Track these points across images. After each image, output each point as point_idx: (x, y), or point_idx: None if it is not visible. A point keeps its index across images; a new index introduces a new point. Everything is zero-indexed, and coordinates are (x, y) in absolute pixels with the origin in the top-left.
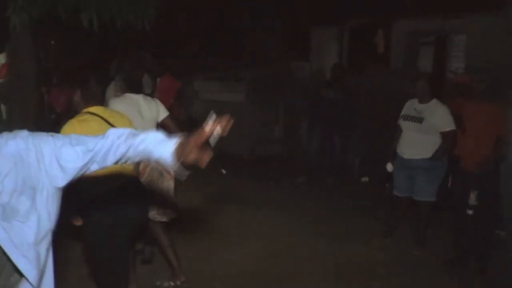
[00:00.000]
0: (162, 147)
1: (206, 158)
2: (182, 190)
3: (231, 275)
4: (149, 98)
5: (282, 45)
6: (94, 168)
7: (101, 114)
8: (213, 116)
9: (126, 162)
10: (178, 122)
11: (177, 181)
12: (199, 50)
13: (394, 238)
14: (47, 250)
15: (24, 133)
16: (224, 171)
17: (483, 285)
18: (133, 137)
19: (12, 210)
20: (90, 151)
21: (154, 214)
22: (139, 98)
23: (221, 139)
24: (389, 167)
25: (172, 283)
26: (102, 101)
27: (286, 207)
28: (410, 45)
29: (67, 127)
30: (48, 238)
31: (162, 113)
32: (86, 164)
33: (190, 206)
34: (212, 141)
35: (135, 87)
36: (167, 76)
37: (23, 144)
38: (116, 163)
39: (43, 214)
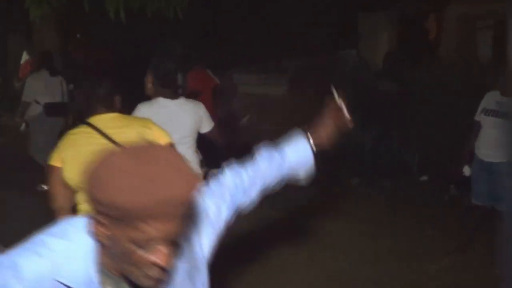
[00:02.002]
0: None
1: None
2: None
3: None
4: (190, 102)
5: (327, 33)
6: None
7: (99, 125)
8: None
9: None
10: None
11: None
12: (238, 40)
13: (468, 255)
14: None
15: None
16: None
17: None
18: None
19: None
20: None
21: None
22: (172, 103)
23: (263, 135)
24: (467, 170)
25: None
26: (111, 106)
27: (339, 216)
28: (465, 30)
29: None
30: None
31: (206, 123)
32: None
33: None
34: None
35: (168, 84)
36: (201, 70)
37: None
38: None
39: None
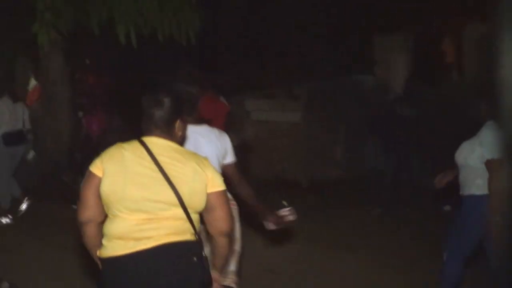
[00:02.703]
0: None
1: None
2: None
3: None
4: (215, 130)
5: (341, 57)
6: None
7: (153, 150)
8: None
9: None
10: None
11: None
12: (249, 64)
13: None
14: None
15: None
16: (285, 203)
17: None
18: None
19: None
20: None
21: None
22: (197, 129)
23: (276, 164)
24: None
25: None
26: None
27: (358, 249)
28: (485, 51)
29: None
30: None
31: (229, 156)
32: None
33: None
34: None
35: (191, 111)
36: (213, 96)
37: None
38: None
39: None
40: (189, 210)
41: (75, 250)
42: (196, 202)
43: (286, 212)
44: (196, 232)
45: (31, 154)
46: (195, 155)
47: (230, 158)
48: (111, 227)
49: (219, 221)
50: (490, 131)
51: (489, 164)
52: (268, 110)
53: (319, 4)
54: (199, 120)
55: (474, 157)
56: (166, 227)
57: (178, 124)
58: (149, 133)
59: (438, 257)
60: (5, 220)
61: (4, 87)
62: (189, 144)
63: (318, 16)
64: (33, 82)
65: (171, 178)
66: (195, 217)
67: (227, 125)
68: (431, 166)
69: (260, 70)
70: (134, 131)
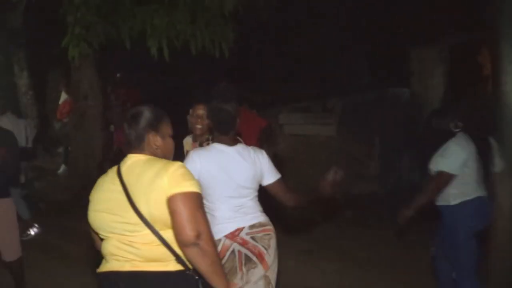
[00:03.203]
0: None
1: None
2: None
3: None
4: (251, 148)
5: (376, 70)
6: None
7: (123, 169)
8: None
9: None
10: None
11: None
12: (282, 78)
13: None
14: None
15: None
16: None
17: None
18: None
19: None
20: None
21: None
22: (230, 150)
23: (310, 178)
24: None
25: None
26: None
27: (395, 265)
28: None
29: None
30: None
31: (271, 174)
32: None
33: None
34: None
35: (225, 131)
36: (249, 111)
37: None
38: None
39: None
40: (157, 227)
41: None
42: (157, 215)
43: (332, 174)
44: (178, 258)
45: (62, 169)
46: (162, 163)
47: (273, 176)
48: (102, 246)
49: (177, 229)
50: (455, 146)
51: (438, 175)
52: (302, 123)
53: (355, 17)
54: (235, 139)
55: (436, 166)
56: (143, 252)
57: (151, 137)
58: (129, 150)
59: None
60: (33, 231)
61: (7, 104)
62: (216, 165)
63: (354, 29)
64: (64, 96)
65: (133, 197)
66: (168, 235)
67: (262, 140)
68: None
69: (294, 83)
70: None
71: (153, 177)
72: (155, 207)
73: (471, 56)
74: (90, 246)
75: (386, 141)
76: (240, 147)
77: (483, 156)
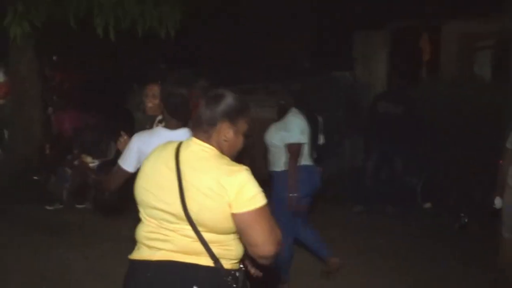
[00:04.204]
0: None
1: None
2: None
3: None
4: (188, 131)
5: (319, 54)
6: None
7: (182, 157)
8: None
9: None
10: None
11: None
12: (225, 61)
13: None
14: None
15: None
16: None
17: None
18: None
19: None
20: None
21: None
22: (173, 134)
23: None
24: (498, 202)
25: None
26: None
27: (342, 247)
28: (464, 50)
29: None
30: None
31: None
32: None
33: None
34: None
35: (178, 115)
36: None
37: None
38: None
39: None
40: (200, 228)
41: (48, 252)
42: (207, 221)
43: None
44: (213, 256)
45: None
46: (223, 165)
47: None
48: (137, 229)
49: (254, 246)
50: (294, 118)
51: (289, 147)
52: None
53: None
54: (182, 124)
55: (277, 139)
56: (177, 243)
57: (224, 126)
58: (192, 132)
59: (419, 254)
60: None
61: None
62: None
63: (297, 12)
64: (1, 77)
65: (185, 191)
66: (209, 237)
67: None
68: (413, 164)
69: (237, 67)
70: (111, 129)
71: (213, 182)
72: (207, 214)
73: (413, 41)
74: (36, 232)
75: (328, 124)
76: (182, 131)
77: (313, 130)
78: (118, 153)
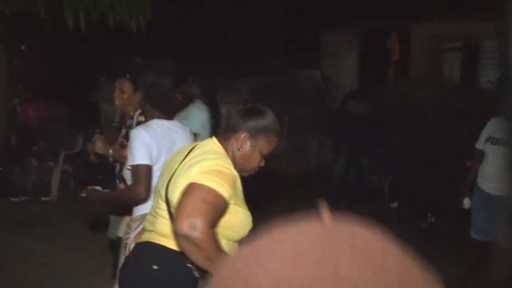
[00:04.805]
0: None
1: None
2: None
3: None
4: (180, 124)
5: (286, 51)
6: None
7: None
8: None
9: None
10: None
11: None
12: (190, 55)
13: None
14: None
15: None
16: None
17: None
18: None
19: None
20: None
21: None
22: (169, 124)
23: None
24: (467, 203)
25: None
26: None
27: None
28: (432, 51)
29: None
30: None
31: None
32: None
33: None
34: None
35: (161, 106)
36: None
37: None
38: None
39: None
40: (172, 210)
41: (10, 244)
42: (175, 199)
43: None
44: None
45: None
46: (213, 158)
47: None
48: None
49: (175, 219)
50: (196, 109)
51: None
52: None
53: None
54: (170, 116)
55: None
56: (156, 223)
57: (242, 136)
58: (221, 132)
59: None
60: None
61: None
62: (163, 140)
63: (267, 8)
64: None
65: (174, 175)
66: None
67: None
68: (381, 163)
69: (202, 62)
70: (76, 120)
71: (187, 161)
72: (175, 191)
73: (381, 41)
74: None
75: (295, 121)
76: (178, 123)
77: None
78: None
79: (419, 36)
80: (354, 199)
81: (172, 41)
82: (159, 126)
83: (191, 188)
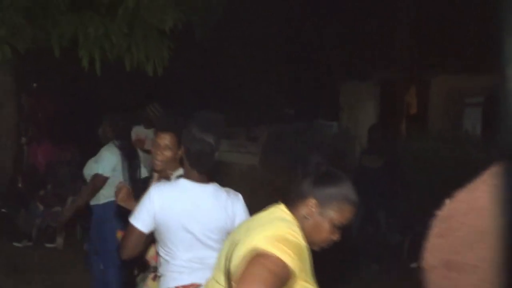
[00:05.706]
0: None
1: None
2: None
3: None
4: (225, 190)
5: (306, 102)
6: None
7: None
8: None
9: None
10: None
11: None
12: (204, 102)
13: None
14: None
15: None
16: None
17: None
18: None
19: None
20: None
21: None
22: (199, 188)
23: None
24: None
25: None
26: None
27: None
28: (452, 105)
29: None
30: None
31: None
32: None
33: None
34: None
35: (200, 166)
36: None
37: None
38: None
39: None
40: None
41: None
42: (234, 267)
43: None
44: None
45: None
46: (274, 220)
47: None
48: None
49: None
50: (107, 152)
51: (93, 177)
52: (223, 150)
53: (287, 47)
54: (209, 178)
55: (91, 171)
56: None
57: (311, 204)
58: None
59: None
60: None
61: None
62: (179, 206)
63: (284, 59)
64: None
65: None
66: None
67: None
68: (399, 221)
69: (219, 109)
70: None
71: (255, 229)
72: (236, 261)
73: (400, 94)
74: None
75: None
76: (212, 187)
77: (131, 163)
78: None
79: (440, 90)
80: (372, 257)
81: (185, 87)
82: (183, 188)
83: (252, 254)
